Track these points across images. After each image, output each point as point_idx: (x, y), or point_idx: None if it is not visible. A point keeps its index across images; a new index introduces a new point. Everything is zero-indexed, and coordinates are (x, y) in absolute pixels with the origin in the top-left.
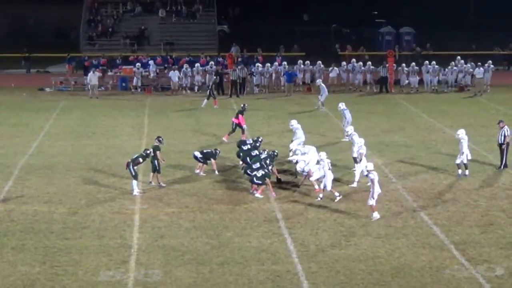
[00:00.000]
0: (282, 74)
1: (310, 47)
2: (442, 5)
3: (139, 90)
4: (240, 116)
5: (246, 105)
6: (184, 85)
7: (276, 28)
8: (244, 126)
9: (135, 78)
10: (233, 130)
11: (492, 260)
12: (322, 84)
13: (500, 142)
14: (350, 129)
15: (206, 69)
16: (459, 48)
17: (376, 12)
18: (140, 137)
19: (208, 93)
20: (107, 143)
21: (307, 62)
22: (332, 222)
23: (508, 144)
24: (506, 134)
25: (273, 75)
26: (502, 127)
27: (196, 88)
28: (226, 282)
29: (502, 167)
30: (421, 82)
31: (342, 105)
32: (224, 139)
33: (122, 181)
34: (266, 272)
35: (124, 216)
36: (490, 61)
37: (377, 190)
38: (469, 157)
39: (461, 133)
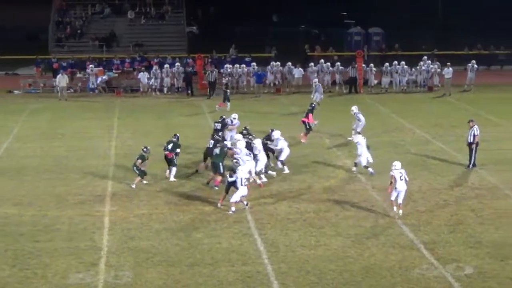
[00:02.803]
0: (251, 75)
1: (279, 48)
2: (411, 6)
3: (96, 91)
4: (309, 115)
5: (314, 104)
6: (153, 86)
7: (245, 29)
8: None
9: (89, 79)
10: (309, 130)
11: (461, 259)
12: (319, 84)
13: (469, 141)
14: (356, 138)
15: (174, 70)
16: (427, 49)
17: (345, 13)
18: (110, 139)
19: (223, 95)
20: (77, 145)
21: (278, 63)
22: (302, 223)
23: (477, 143)
24: (476, 134)
25: (242, 76)
26: (472, 127)
27: (165, 89)
28: (196, 283)
29: (470, 166)
30: (390, 82)
31: (355, 109)
32: (302, 140)
33: (92, 183)
34: (236, 273)
35: (94, 218)
36: (474, 61)
37: (399, 188)
38: (370, 160)
39: (356, 138)
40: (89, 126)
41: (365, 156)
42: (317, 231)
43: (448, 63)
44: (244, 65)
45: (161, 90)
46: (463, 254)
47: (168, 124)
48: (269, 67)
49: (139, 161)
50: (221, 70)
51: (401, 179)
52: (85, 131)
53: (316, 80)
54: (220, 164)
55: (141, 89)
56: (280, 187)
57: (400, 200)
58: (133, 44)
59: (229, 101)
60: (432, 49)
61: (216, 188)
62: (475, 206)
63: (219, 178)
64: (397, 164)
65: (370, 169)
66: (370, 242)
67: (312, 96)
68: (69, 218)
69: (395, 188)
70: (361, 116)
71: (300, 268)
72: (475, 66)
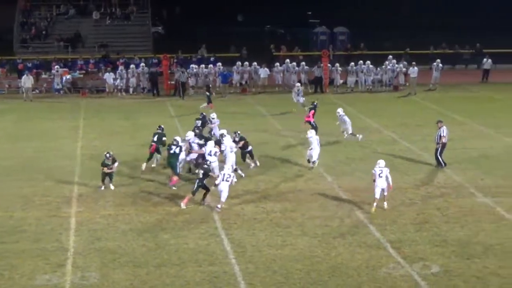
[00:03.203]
0: (217, 75)
1: (245, 48)
2: (375, 5)
3: (61, 92)
4: (311, 112)
5: (316, 102)
6: (119, 87)
7: (211, 29)
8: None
9: (55, 80)
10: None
11: (427, 258)
12: (301, 88)
13: (436, 141)
14: (311, 133)
15: (139, 71)
16: (392, 48)
17: (310, 13)
18: (76, 140)
19: (207, 98)
20: (43, 146)
21: (246, 63)
22: (268, 222)
23: (443, 144)
24: (442, 134)
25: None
26: (440, 127)
27: (131, 90)
28: (163, 284)
29: (443, 165)
30: (355, 82)
31: (340, 111)
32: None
33: (59, 184)
34: (203, 273)
35: (61, 219)
36: (439, 60)
37: (379, 184)
38: (315, 158)
39: (310, 133)
40: (55, 127)
41: (316, 152)
42: (284, 231)
43: (414, 62)
44: (211, 65)
45: (126, 91)
46: (429, 253)
47: (134, 124)
48: (235, 67)
49: (102, 168)
50: (188, 70)
51: (380, 176)
52: (51, 132)
53: (299, 84)
54: (177, 163)
55: (107, 90)
56: (246, 187)
57: (377, 195)
58: (98, 44)
59: (208, 103)
60: (399, 49)
61: (174, 188)
62: (440, 205)
63: (175, 177)
64: (380, 163)
65: (312, 164)
66: (336, 241)
67: (300, 101)
68: (36, 219)
69: (376, 185)
70: (346, 118)
71: (267, 268)
72: (440, 65)
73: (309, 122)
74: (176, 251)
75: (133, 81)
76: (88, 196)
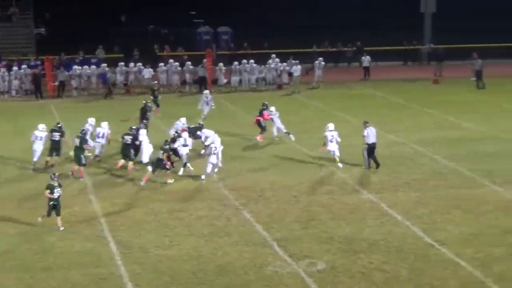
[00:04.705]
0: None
1: (129, 48)
2: (258, 5)
3: None
4: (264, 113)
5: (266, 103)
6: (1, 89)
7: (94, 30)
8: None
9: None
10: (264, 129)
11: (313, 255)
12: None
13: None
14: (208, 132)
15: (21, 73)
16: (276, 47)
17: (194, 12)
18: None
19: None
20: None
21: (132, 64)
22: (156, 223)
23: (368, 145)
24: (363, 134)
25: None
26: (365, 128)
27: (13, 92)
28: (50, 287)
29: (367, 166)
30: (239, 81)
31: (273, 109)
32: (258, 138)
33: None
34: (90, 276)
35: None
36: (321, 58)
37: (331, 148)
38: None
39: (206, 132)
40: None
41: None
42: (171, 231)
43: (297, 61)
44: (94, 66)
45: (9, 93)
46: (315, 250)
47: (18, 126)
48: (118, 68)
49: (48, 191)
50: (70, 72)
51: (331, 141)
52: None
53: (207, 91)
54: (82, 156)
55: None
56: (132, 189)
57: (338, 153)
58: None
59: (158, 106)
60: (282, 48)
61: (81, 179)
62: (326, 202)
63: (81, 168)
64: (330, 126)
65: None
66: (223, 240)
67: (205, 110)
68: None
69: (329, 149)
70: (276, 118)
71: (154, 268)
72: (322, 63)
73: (258, 122)
74: (62, 253)
75: (16, 83)
76: None
